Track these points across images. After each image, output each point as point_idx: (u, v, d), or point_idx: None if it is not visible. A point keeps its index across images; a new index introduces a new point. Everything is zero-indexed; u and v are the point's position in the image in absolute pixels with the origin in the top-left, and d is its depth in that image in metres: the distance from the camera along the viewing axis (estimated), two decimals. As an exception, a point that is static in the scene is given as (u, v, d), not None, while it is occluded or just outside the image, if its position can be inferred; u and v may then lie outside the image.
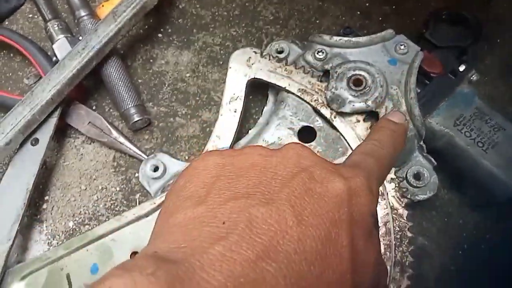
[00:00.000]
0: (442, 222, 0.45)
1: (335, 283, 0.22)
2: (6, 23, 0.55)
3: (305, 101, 0.42)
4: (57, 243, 0.46)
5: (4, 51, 0.54)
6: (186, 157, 0.48)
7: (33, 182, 0.44)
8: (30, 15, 0.56)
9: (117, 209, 0.47)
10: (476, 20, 0.44)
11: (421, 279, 0.43)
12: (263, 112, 0.47)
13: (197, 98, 0.50)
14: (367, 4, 0.54)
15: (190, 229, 0.23)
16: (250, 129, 0.46)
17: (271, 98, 0.47)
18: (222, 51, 0.52)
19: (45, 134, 0.46)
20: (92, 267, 0.41)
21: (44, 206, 0.48)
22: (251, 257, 0.21)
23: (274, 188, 0.25)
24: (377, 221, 0.28)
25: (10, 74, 0.53)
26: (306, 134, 0.42)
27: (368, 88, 0.40)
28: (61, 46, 0.48)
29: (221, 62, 0.52)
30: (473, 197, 0.44)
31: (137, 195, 0.47)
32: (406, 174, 0.41)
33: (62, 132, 0.50)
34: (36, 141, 0.45)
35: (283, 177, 0.25)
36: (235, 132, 0.43)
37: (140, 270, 0.19)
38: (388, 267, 0.36)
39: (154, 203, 0.41)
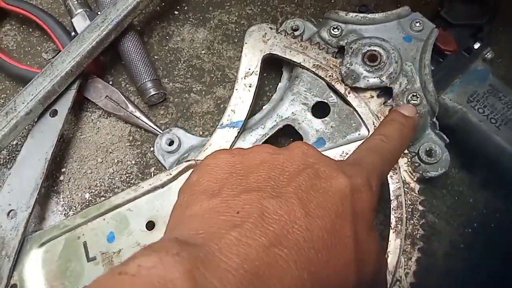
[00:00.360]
0: (452, 200, 0.46)
1: (341, 270, 0.24)
2: (25, -2, 0.56)
3: (319, 76, 0.43)
4: (74, 214, 0.47)
5: (24, 26, 0.55)
6: (200, 133, 0.49)
7: (51, 153, 0.45)
8: (49, -9, 0.57)
9: (132, 182, 0.48)
10: (493, -2, 0.45)
11: (430, 254, 0.43)
12: (277, 88, 0.48)
13: (212, 75, 0.51)
14: (383, -16, 0.55)
15: (207, 218, 0.24)
16: (264, 105, 0.47)
17: (285, 75, 0.48)
18: (237, 29, 0.53)
19: (64, 105, 0.47)
20: (109, 236, 0.42)
21: (61, 178, 0.49)
22: (265, 243, 0.22)
23: (282, 182, 0.26)
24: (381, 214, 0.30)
25: (29, 48, 0.54)
26: (320, 109, 0.43)
27: (382, 63, 0.41)
28: (80, 20, 0.49)
29: (236, 40, 0.52)
30: (484, 175, 0.44)
31: (152, 169, 0.48)
32: (418, 151, 0.41)
33: (79, 105, 0.51)
34: (55, 112, 0.47)
35: (290, 173, 0.27)
36: (250, 106, 0.44)
37: (166, 250, 0.20)
38: (400, 240, 0.37)
39: (170, 174, 0.42)
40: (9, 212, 0.43)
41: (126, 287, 0.19)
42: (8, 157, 0.50)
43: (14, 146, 0.50)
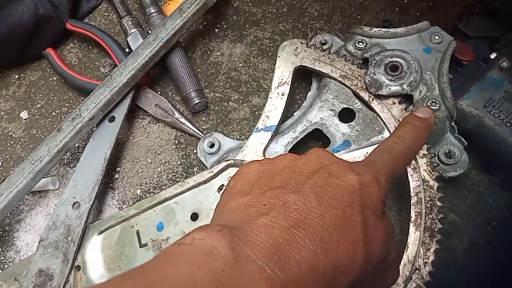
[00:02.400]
0: (472, 200, 0.49)
1: (350, 247, 0.28)
2: (86, 20, 0.64)
3: (345, 85, 0.48)
4: (127, 207, 0.53)
5: (84, 44, 0.63)
6: (238, 137, 0.55)
7: (109, 153, 0.52)
8: (106, 13, 0.65)
9: (177, 180, 0.54)
10: (509, 10, 0.48)
11: (450, 250, 0.46)
12: (307, 97, 0.52)
13: (248, 85, 0.57)
14: (406, 1, 0.59)
15: (241, 210, 0.30)
16: (295, 112, 0.52)
17: (314, 84, 0.53)
18: (271, 44, 0.59)
19: (120, 112, 0.54)
20: (158, 225, 0.48)
21: (116, 176, 0.55)
22: (286, 225, 0.28)
23: (300, 181, 0.32)
24: (383, 211, 0.34)
25: (89, 63, 0.62)
26: (346, 115, 0.47)
27: (403, 73, 0.45)
28: (134, 38, 0.56)
29: (270, 54, 0.58)
30: (502, 176, 0.47)
31: (195, 168, 0.54)
32: (438, 153, 0.45)
33: (132, 113, 0.57)
34: (113, 118, 0.53)
35: (307, 173, 0.33)
36: (282, 113, 0.49)
37: (212, 228, 0.27)
38: (419, 232, 0.41)
39: (212, 172, 0.47)
40: (74, 204, 0.50)
41: (185, 252, 0.26)
42: (71, 157, 0.57)
43: (76, 148, 0.57)
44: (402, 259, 0.40)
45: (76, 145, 0.57)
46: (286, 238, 0.27)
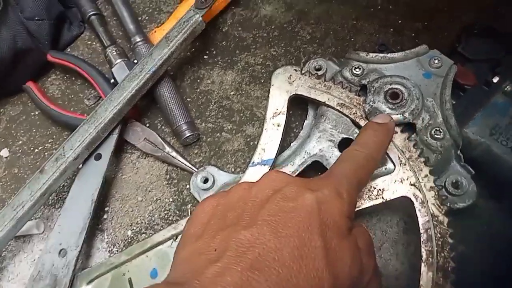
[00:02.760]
0: (481, 230, 0.46)
1: (314, 277, 0.26)
2: (68, 50, 0.62)
3: (344, 114, 0.45)
4: (117, 251, 0.50)
5: (67, 75, 0.60)
6: (233, 169, 0.52)
7: (97, 194, 0.49)
8: (89, 42, 0.62)
9: (170, 218, 0.51)
10: (508, 32, 0.46)
11: (461, 285, 0.44)
12: (303, 126, 0.50)
13: (241, 114, 0.54)
14: (400, 22, 0.57)
15: (191, 259, 0.28)
16: (291, 141, 0.50)
17: (311, 112, 0.50)
18: (263, 70, 0.56)
19: (107, 149, 0.51)
20: (152, 272, 0.45)
21: (105, 216, 0.52)
22: (239, 270, 0.25)
23: (253, 212, 0.30)
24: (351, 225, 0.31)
25: (72, 96, 0.59)
26: (346, 145, 0.44)
27: (404, 100, 0.43)
28: (119, 69, 0.54)
29: (262, 80, 0.56)
30: (511, 205, 0.45)
31: (189, 206, 0.51)
32: (444, 183, 0.43)
33: (120, 148, 0.54)
34: (99, 156, 0.50)
35: (261, 201, 0.30)
36: (279, 145, 0.46)
37: None
38: (431, 273, 0.38)
39: (207, 212, 0.44)
40: (60, 251, 0.46)
41: None
42: (56, 198, 0.54)
43: (61, 187, 0.54)
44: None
45: (62, 184, 0.54)
46: (239, 285, 0.25)
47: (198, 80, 0.57)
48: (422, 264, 0.38)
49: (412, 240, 0.45)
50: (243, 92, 0.55)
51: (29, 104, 0.60)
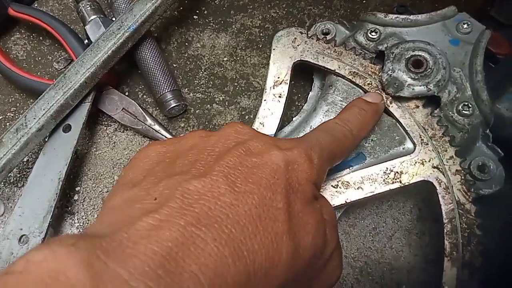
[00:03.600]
0: (509, 220, 0.41)
1: (272, 242, 0.22)
2: (36, 4, 0.53)
3: (356, 84, 0.39)
4: (90, 235, 0.44)
5: (34, 34, 0.52)
6: (224, 146, 0.45)
7: (65, 172, 0.42)
8: (60, -3, 0.53)
9: (151, 200, 0.44)
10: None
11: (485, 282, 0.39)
12: (308, 98, 0.44)
13: (235, 84, 0.47)
14: (418, -17, 0.51)
15: (123, 208, 0.23)
16: (292, 116, 0.43)
17: (316, 83, 0.44)
18: (261, 34, 0.49)
19: (78, 120, 0.43)
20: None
21: (76, 197, 0.45)
22: (181, 223, 0.21)
23: (209, 163, 0.25)
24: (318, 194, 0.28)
25: (40, 58, 0.51)
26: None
27: (429, 70, 0.37)
28: (94, 27, 0.46)
29: (260, 46, 0.49)
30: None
31: (173, 186, 0.45)
32: (469, 166, 0.37)
33: (94, 119, 0.47)
34: (68, 127, 0.43)
35: (219, 152, 0.26)
36: (280, 119, 0.40)
37: (60, 242, 0.18)
38: (456, 269, 0.33)
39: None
40: (20, 237, 0.40)
41: (11, 286, 0.16)
42: (18, 175, 0.46)
43: (25, 163, 0.47)
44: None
45: (25, 159, 0.46)
46: (180, 241, 0.20)
47: (187, 44, 0.50)
48: (446, 259, 0.33)
49: (426, 229, 0.40)
50: (238, 58, 0.48)
51: (-11, 66, 0.51)
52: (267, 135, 0.29)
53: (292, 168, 0.26)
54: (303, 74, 0.45)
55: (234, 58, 0.48)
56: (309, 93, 0.44)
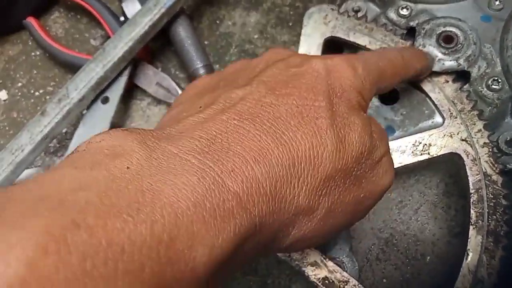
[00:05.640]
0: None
1: (315, 136, 0.23)
2: (73, -16, 0.55)
3: (387, 60, 0.40)
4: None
5: (72, 13, 0.54)
6: (254, 121, 0.47)
7: (103, 140, 0.44)
8: (96, -23, 0.55)
9: (183, 171, 0.46)
10: None
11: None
12: (337, 74, 0.45)
13: (265, 61, 0.49)
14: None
15: (173, 118, 0.26)
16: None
17: (346, 59, 0.45)
18: (291, 12, 0.50)
19: (115, 92, 0.45)
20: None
21: (111, 166, 0.48)
22: (223, 118, 0.22)
23: (249, 77, 0.26)
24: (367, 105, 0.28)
25: (78, 35, 0.53)
26: (389, 95, 0.40)
27: (460, 45, 0.37)
28: (130, 4, 0.48)
29: (290, 24, 0.50)
30: None
31: (204, 158, 0.47)
32: (497, 140, 0.38)
33: (129, 93, 0.49)
34: (106, 99, 0.45)
35: (260, 69, 0.27)
36: (310, 93, 0.41)
37: (116, 129, 0.21)
38: (481, 237, 0.34)
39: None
40: (62, 201, 0.42)
41: (78, 158, 0.19)
42: (58, 145, 0.49)
43: (63, 134, 0.49)
44: (461, 268, 0.34)
45: (64, 130, 0.49)
46: (224, 130, 0.22)
47: (218, 22, 0.51)
48: (471, 227, 0.34)
49: (452, 203, 0.41)
50: (268, 36, 0.50)
51: (30, 43, 0.54)
52: (309, 54, 0.29)
53: (334, 75, 0.25)
54: (333, 51, 0.46)
55: (265, 36, 0.50)
56: (338, 69, 0.45)
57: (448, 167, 0.41)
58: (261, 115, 0.23)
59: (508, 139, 0.38)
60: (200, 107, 0.24)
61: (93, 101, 0.45)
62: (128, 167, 0.18)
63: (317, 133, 0.23)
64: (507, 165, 0.38)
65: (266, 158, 0.21)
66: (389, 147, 0.28)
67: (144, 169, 0.18)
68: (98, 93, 0.45)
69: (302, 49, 0.42)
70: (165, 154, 0.19)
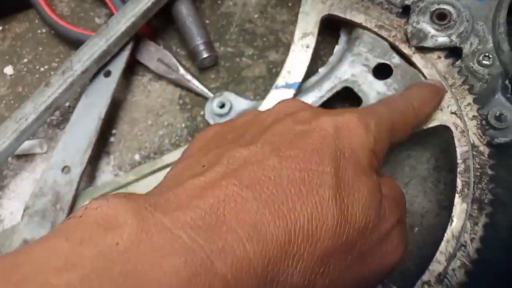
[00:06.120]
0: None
1: (316, 207, 0.22)
2: (79, -36, 0.57)
3: (382, 37, 0.41)
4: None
5: (77, -9, 0.56)
6: (252, 97, 0.48)
7: (105, 112, 0.45)
8: (102, -43, 0.57)
9: (181, 145, 0.48)
10: None
11: (494, 227, 0.41)
12: (334, 51, 0.46)
13: (264, 39, 0.50)
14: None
15: (176, 176, 0.25)
16: (320, 69, 0.45)
17: (343, 37, 0.46)
18: (291, -7, 0.52)
19: (117, 66, 0.47)
20: (160, 194, 0.42)
21: (112, 139, 0.49)
22: (223, 184, 0.22)
23: (256, 134, 0.26)
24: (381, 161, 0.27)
25: (82, 14, 0.55)
26: (382, 71, 0.41)
27: (453, 22, 0.38)
28: (134, -18, 0.49)
29: (290, 4, 0.51)
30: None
31: (202, 132, 0.48)
32: (487, 115, 0.39)
33: (130, 69, 0.51)
34: (109, 73, 0.47)
35: (268, 124, 0.26)
36: (306, 67, 0.42)
37: (115, 195, 0.21)
38: (466, 204, 0.35)
39: (224, 133, 0.41)
40: (63, 168, 0.43)
41: (71, 227, 0.20)
42: (61, 118, 0.50)
43: (66, 108, 0.51)
44: (445, 234, 0.35)
45: (67, 104, 0.50)
46: (221, 199, 0.21)
47: (219, 1, 0.52)
48: (457, 195, 0.35)
49: (442, 177, 0.42)
50: (268, 15, 0.51)
51: (36, 21, 0.55)
52: (318, 107, 0.29)
53: (343, 134, 0.24)
54: (330, 30, 0.47)
55: (265, 15, 0.51)
56: (335, 47, 0.46)
57: (439, 143, 0.42)
58: (261, 181, 0.22)
59: (497, 114, 0.39)
60: (204, 166, 0.24)
61: (96, 74, 0.46)
62: (117, 243, 0.18)
63: (318, 204, 0.22)
64: (495, 139, 0.39)
65: (260, 234, 0.20)
66: (403, 214, 0.27)
67: (133, 246, 0.18)
68: (101, 67, 0.46)
69: (300, 27, 0.43)
70: (157, 228, 0.19)
